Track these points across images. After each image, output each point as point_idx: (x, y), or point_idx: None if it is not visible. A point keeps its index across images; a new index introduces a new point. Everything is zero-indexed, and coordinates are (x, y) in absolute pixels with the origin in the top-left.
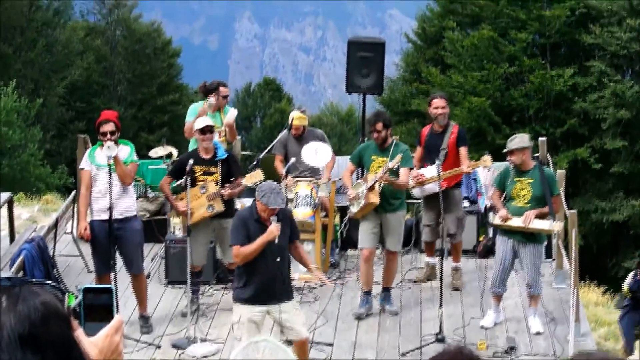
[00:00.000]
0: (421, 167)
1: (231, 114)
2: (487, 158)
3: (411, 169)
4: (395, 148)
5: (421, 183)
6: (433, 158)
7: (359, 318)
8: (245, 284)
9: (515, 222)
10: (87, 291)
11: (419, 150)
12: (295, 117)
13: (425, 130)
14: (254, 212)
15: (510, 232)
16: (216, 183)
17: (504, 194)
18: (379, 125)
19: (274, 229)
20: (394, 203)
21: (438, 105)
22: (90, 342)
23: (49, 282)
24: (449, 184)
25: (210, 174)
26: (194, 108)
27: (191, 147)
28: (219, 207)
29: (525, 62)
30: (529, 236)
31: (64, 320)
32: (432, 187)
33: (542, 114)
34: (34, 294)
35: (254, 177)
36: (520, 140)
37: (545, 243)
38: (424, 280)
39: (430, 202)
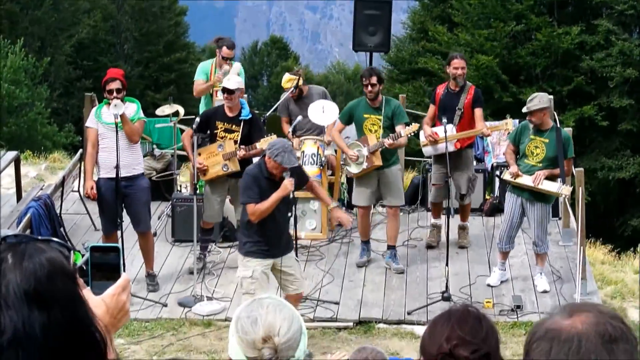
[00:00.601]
0: (433, 125)
1: (234, 68)
2: (509, 121)
3: (406, 124)
4: (387, 105)
5: (435, 142)
6: (449, 117)
7: (362, 266)
8: (256, 238)
9: (525, 180)
10: (94, 250)
11: (432, 109)
12: (284, 81)
13: (440, 88)
14: (263, 170)
15: (519, 189)
16: (235, 142)
17: (518, 150)
18: (374, 79)
19: (288, 184)
20: (390, 159)
21: (458, 66)
22: (96, 300)
23: (55, 239)
24: (462, 145)
25: (231, 132)
26: (202, 67)
27: (201, 106)
28: (234, 166)
29: (533, 20)
30: (537, 195)
31: (70, 278)
32: (443, 147)
33: (549, 72)
34: (40, 250)
35: (268, 142)
36: (539, 100)
37: (552, 203)
38: (436, 243)
39: (441, 162)
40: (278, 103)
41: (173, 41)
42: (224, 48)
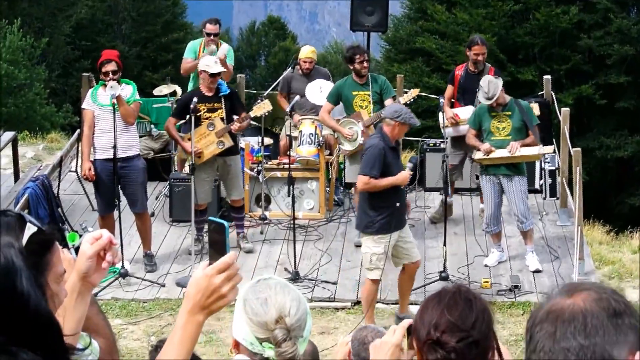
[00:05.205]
0: (451, 105)
1: (222, 49)
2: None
3: (393, 97)
4: (374, 81)
5: (456, 123)
6: (468, 99)
7: (359, 246)
8: (386, 213)
9: (500, 153)
10: (210, 223)
11: (450, 89)
12: (309, 51)
13: (459, 70)
14: (387, 140)
15: (494, 167)
16: (222, 119)
17: (482, 132)
18: (366, 55)
19: (407, 175)
20: None
21: (478, 52)
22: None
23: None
24: None
25: (214, 110)
26: (191, 45)
27: (190, 85)
28: (229, 142)
29: None
30: (512, 169)
31: (12, 248)
32: (467, 128)
33: (547, 51)
34: None
35: (262, 108)
36: (495, 85)
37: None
38: (441, 219)
39: (457, 144)
40: (278, 80)
41: (171, 21)
42: (207, 24)
